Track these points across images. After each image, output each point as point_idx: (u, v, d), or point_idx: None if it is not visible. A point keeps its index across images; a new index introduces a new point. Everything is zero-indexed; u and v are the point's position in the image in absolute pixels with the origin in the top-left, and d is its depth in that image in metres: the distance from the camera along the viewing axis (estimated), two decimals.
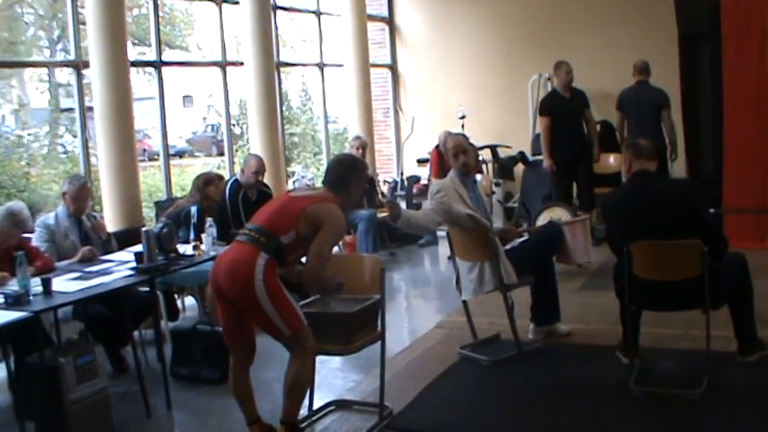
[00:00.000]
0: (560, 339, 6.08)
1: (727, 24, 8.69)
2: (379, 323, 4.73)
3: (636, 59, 9.65)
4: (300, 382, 4.34)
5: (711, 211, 7.38)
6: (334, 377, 5.65)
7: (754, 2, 8.60)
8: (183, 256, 5.67)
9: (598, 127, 10.15)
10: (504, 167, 10.61)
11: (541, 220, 8.66)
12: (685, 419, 4.55)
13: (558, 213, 8.70)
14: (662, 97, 9.25)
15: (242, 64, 8.93)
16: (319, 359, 5.07)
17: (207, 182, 6.97)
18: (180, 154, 18.34)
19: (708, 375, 4.89)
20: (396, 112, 12.62)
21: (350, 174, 4.53)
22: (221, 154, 11.47)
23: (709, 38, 8.82)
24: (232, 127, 10.15)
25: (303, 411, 4.90)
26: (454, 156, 5.89)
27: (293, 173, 10.52)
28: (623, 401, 4.82)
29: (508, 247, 5.82)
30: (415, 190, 11.14)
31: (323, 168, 10.87)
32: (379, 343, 4.72)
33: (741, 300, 5.15)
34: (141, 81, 10.38)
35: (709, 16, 8.83)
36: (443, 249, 9.75)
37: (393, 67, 12.54)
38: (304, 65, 10.99)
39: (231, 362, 4.48)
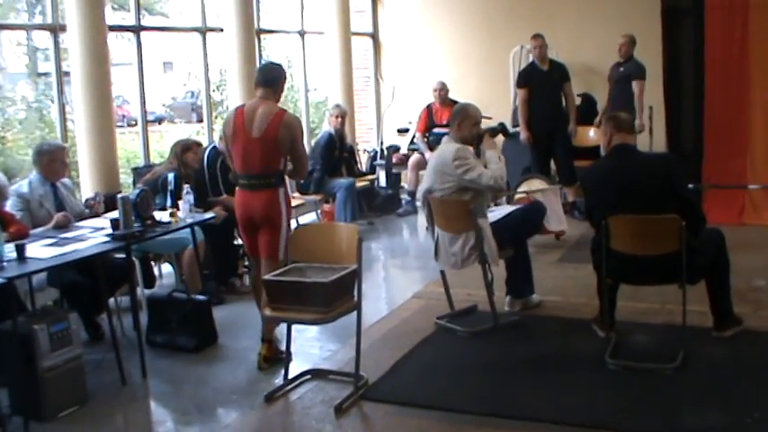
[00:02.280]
0: (537, 312, 6.11)
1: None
2: (355, 292, 4.72)
3: (619, 33, 9.62)
4: None
5: (690, 186, 7.39)
6: (310, 346, 5.64)
7: None
8: (160, 223, 5.63)
9: (579, 100, 10.14)
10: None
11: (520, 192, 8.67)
12: (659, 393, 4.57)
13: (536, 185, 8.71)
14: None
15: (222, 30, 8.83)
16: (295, 328, 5.13)
17: (185, 148, 6.91)
18: (159, 120, 18.22)
19: (683, 350, 4.93)
20: (376, 82, 12.54)
21: (278, 75, 5.47)
22: (201, 120, 11.33)
23: (692, 12, 8.81)
24: (212, 93, 10.04)
25: (278, 380, 4.91)
26: (475, 124, 5.87)
27: None
28: (599, 375, 4.85)
29: (492, 219, 5.79)
30: (394, 159, 11.11)
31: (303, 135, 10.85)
32: (356, 313, 4.71)
33: (718, 275, 5.18)
34: (121, 46, 10.23)
35: None
36: (421, 219, 9.76)
37: (375, 36, 12.43)
38: (285, 32, 10.86)
39: (255, 273, 5.50)
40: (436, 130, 10.38)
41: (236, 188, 5.43)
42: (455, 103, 9.96)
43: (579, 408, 4.45)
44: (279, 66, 5.72)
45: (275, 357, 5.23)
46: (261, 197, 5.26)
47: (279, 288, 4.62)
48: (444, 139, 5.94)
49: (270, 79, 5.40)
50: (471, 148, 5.78)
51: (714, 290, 5.24)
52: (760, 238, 7.82)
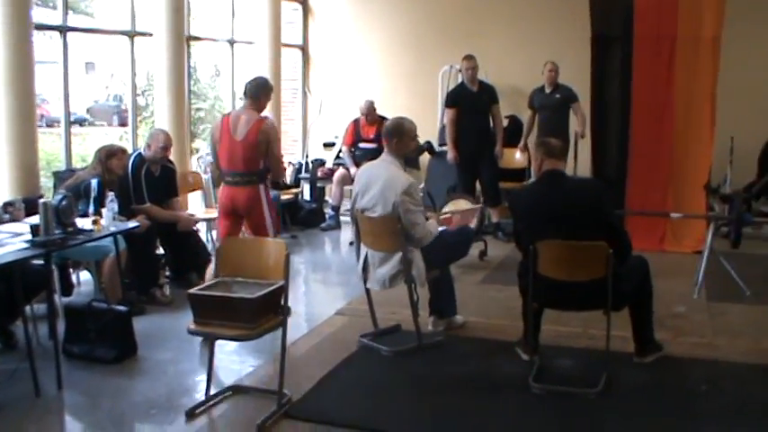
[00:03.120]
0: (461, 332, 6.11)
1: (639, 29, 8.84)
2: (281, 309, 4.65)
3: (548, 57, 9.78)
4: None
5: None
6: (231, 361, 5.53)
7: (666, 8, 8.76)
8: (82, 231, 5.48)
9: (506, 122, 10.25)
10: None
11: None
12: (582, 418, 4.62)
13: (462, 204, 8.75)
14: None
15: (151, 35, 8.68)
16: (216, 343, 5.00)
17: (110, 154, 6.74)
18: (80, 122, 17.82)
19: (606, 375, 4.98)
20: (304, 94, 12.49)
21: (263, 89, 6.45)
22: (123, 124, 11.13)
23: (621, 41, 8.95)
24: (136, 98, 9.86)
25: (200, 396, 4.81)
26: (413, 139, 5.89)
27: (197, 149, 10.29)
28: (523, 398, 4.86)
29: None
30: (319, 173, 11.07)
31: None
32: (280, 329, 4.64)
33: (642, 303, 5.27)
34: (40, 44, 9.97)
35: (622, 19, 8.94)
36: (345, 234, 9.74)
37: (304, 48, 12.40)
38: (214, 40, 10.73)
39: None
40: (362, 144, 10.40)
41: (222, 184, 6.49)
42: (383, 119, 10.02)
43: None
44: (264, 80, 6.59)
45: None
46: (244, 192, 6.27)
47: (204, 302, 4.52)
48: (384, 157, 5.83)
49: (254, 92, 6.36)
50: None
51: (637, 317, 5.32)
52: (679, 265, 7.98)
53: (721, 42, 8.66)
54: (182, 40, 8.81)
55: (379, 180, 5.63)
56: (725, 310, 6.75)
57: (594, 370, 5.07)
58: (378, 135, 10.28)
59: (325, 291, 7.98)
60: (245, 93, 6.40)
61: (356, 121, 10.58)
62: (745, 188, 9.99)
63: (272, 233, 6.28)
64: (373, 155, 9.77)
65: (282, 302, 4.63)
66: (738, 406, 4.80)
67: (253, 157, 6.21)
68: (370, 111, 10.42)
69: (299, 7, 12.25)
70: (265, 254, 4.86)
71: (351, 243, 8.85)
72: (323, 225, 10.50)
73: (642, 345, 5.40)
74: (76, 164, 8.11)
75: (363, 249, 5.86)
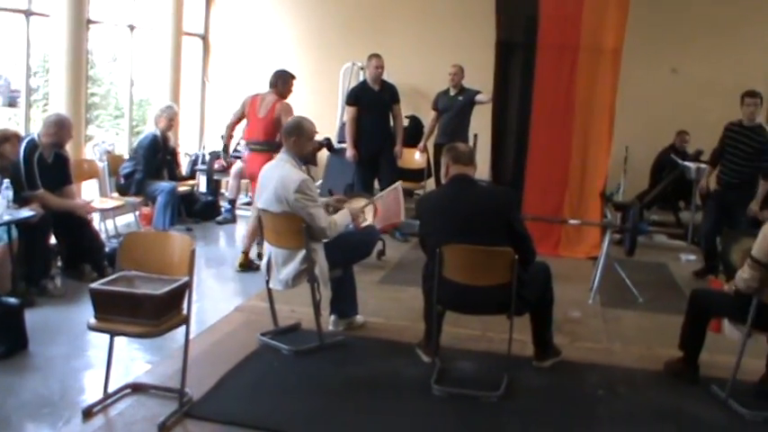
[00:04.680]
0: (361, 333, 6.11)
1: (543, 37, 9.00)
2: (185, 306, 4.55)
3: (453, 59, 9.86)
4: None
5: None
6: (129, 358, 5.38)
7: (570, 19, 8.94)
8: None
9: (407, 122, 10.29)
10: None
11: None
12: (484, 421, 4.68)
13: (360, 203, 8.73)
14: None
15: (48, 16, 8.38)
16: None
17: (3, 139, 6.48)
18: None
19: (507, 378, 5.06)
20: (203, 84, 12.29)
21: (281, 78, 8.41)
22: (11, 105, 10.70)
23: (524, 48, 9.08)
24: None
25: (97, 395, 4.66)
26: (310, 139, 5.88)
27: (92, 137, 9.99)
28: (425, 400, 4.89)
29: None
30: (216, 165, 10.90)
31: (123, 133, 10.48)
32: (184, 326, 4.55)
33: (543, 308, 5.38)
34: None
35: (526, 27, 9.09)
36: (240, 228, 9.61)
37: (205, 38, 12.20)
38: (114, 24, 10.42)
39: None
40: None
41: (248, 151, 8.49)
42: None
43: None
44: (281, 71, 8.51)
45: (249, 266, 7.87)
46: (264, 157, 7.36)
47: (106, 298, 4.39)
48: (281, 155, 5.79)
49: (272, 80, 8.42)
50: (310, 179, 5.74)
51: (538, 322, 5.42)
52: (574, 271, 8.15)
53: (621, 55, 8.87)
54: (81, 23, 8.55)
55: (273, 179, 5.60)
56: (619, 315, 6.95)
57: (495, 373, 5.15)
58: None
59: (221, 286, 7.85)
60: (270, 81, 8.40)
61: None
62: (638, 197, 10.35)
63: None
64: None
65: (187, 299, 4.54)
66: (632, 410, 4.96)
67: (271, 131, 8.06)
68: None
69: None
70: (170, 249, 4.75)
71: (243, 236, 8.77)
72: (219, 218, 10.36)
73: (542, 349, 5.51)
74: None
75: (267, 248, 5.80)
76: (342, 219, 5.81)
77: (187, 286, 4.51)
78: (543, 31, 9.01)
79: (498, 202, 5.14)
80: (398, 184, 7.88)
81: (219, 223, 10.28)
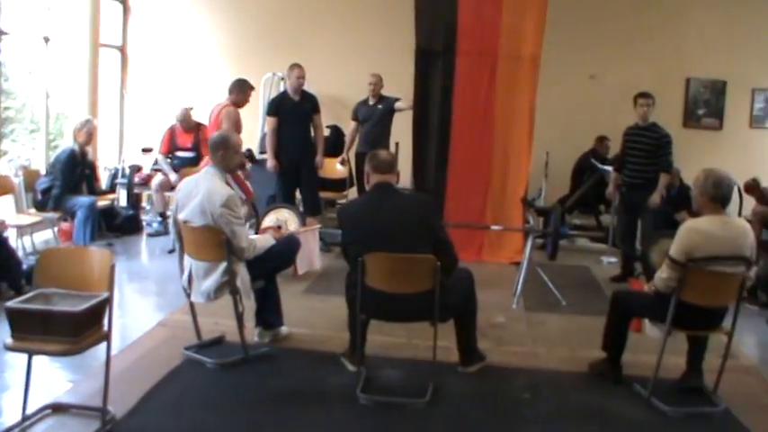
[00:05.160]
0: (286, 344, 6.08)
1: (462, 45, 9.09)
2: (105, 322, 4.47)
3: (373, 69, 9.89)
4: None
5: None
6: (48, 377, 5.26)
7: (489, 26, 9.05)
8: None
9: (328, 132, 10.28)
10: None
11: (267, 221, 8.65)
12: (410, 428, 4.71)
13: (284, 215, 8.73)
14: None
15: None
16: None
17: None
18: None
19: (432, 385, 5.09)
20: (121, 97, 12.12)
21: (238, 86, 8.77)
22: None
23: (443, 56, 9.15)
24: None
25: (15, 417, 4.54)
26: (237, 152, 5.84)
27: (7, 152, 9.74)
28: (351, 410, 4.90)
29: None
30: (136, 179, 10.75)
31: (39, 147, 10.26)
32: (104, 343, 4.47)
33: (466, 314, 5.42)
34: None
35: (445, 34, 9.16)
36: (166, 242, 9.48)
37: (123, 50, 12.03)
38: (28, 36, 10.20)
39: None
40: (180, 153, 10.23)
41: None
42: (200, 125, 9.87)
43: None
44: (238, 80, 8.95)
45: None
46: None
47: (23, 316, 4.29)
48: (207, 169, 5.75)
49: (229, 88, 8.83)
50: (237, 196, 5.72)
51: (462, 328, 5.47)
52: (498, 276, 8.24)
53: (540, 62, 9.01)
54: None
55: (199, 193, 5.54)
56: (543, 319, 7.05)
57: (421, 380, 5.18)
58: (196, 143, 10.12)
59: (144, 301, 7.73)
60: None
61: (171, 130, 10.36)
62: (559, 201, 10.51)
63: None
64: (192, 163, 9.65)
65: (108, 315, 4.46)
66: (558, 411, 5.05)
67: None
68: (185, 118, 10.26)
69: (120, 7, 11.88)
70: (89, 264, 4.67)
71: (170, 251, 8.67)
72: (150, 231, 10.22)
73: (466, 355, 5.55)
74: None
75: (188, 261, 5.74)
76: (263, 242, 5.80)
77: (107, 302, 4.44)
78: (462, 38, 9.10)
79: (419, 210, 5.17)
80: (317, 228, 7.99)
81: (152, 236, 10.12)
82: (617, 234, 9.17)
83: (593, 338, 5.86)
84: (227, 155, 5.69)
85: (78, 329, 4.27)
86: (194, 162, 9.82)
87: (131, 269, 8.82)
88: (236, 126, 8.60)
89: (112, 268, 4.48)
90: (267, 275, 5.87)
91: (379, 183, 5.19)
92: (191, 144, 10.19)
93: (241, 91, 8.75)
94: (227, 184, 5.69)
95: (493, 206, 9.25)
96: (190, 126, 10.20)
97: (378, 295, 5.01)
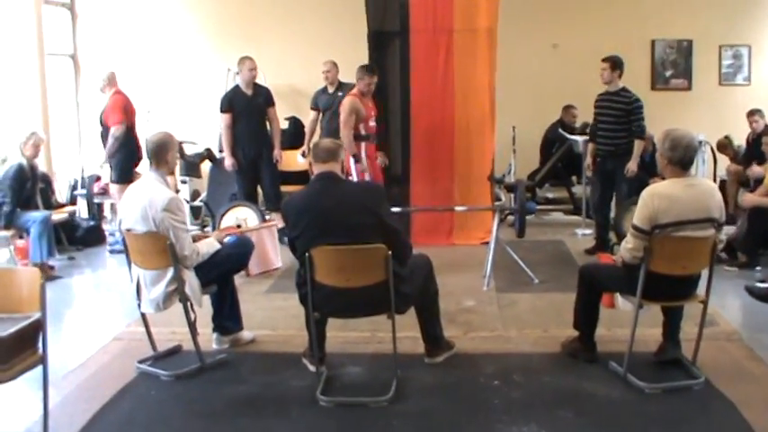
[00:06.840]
0: (246, 348, 5.84)
1: (416, 23, 8.90)
2: (39, 345, 4.21)
3: (327, 56, 9.65)
4: None
5: (398, 209, 7.43)
6: None
7: (441, 2, 8.86)
8: None
9: (286, 124, 10.05)
10: (190, 165, 10.28)
11: (227, 221, 8.43)
12: (372, 428, 4.48)
13: (244, 212, 8.52)
14: None
15: None
16: None
17: None
18: None
19: (396, 380, 4.86)
20: (77, 106, 11.81)
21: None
22: None
23: (398, 35, 8.95)
24: None
25: None
26: (175, 151, 5.65)
27: None
28: (311, 413, 4.68)
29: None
30: (96, 189, 10.46)
31: None
32: (41, 367, 4.20)
33: (427, 302, 5.20)
34: None
35: (398, 14, 8.98)
36: None
37: (74, 57, 11.73)
38: None
39: None
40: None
41: None
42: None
43: None
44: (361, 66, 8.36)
45: None
46: None
47: None
48: (148, 173, 5.52)
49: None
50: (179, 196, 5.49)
51: (424, 317, 5.25)
52: (468, 258, 8.05)
53: (498, 34, 8.78)
54: None
55: (142, 198, 5.30)
56: (514, 300, 6.84)
57: (385, 376, 4.98)
58: None
59: (104, 315, 7.42)
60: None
61: None
62: (530, 176, 10.31)
63: None
64: None
65: (42, 337, 4.20)
66: (530, 397, 4.83)
67: None
68: None
69: (67, 14, 11.57)
70: (17, 285, 4.37)
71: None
72: (113, 248, 9.87)
73: (432, 345, 5.34)
74: None
75: (135, 270, 5.48)
76: (206, 248, 5.52)
77: (39, 323, 4.17)
78: (415, 17, 8.94)
79: (365, 197, 4.89)
80: (275, 223, 7.71)
81: (114, 252, 9.77)
82: (591, 205, 8.97)
83: (566, 316, 5.64)
84: (169, 156, 5.51)
85: (8, 355, 4.00)
86: None
87: (96, 281, 8.60)
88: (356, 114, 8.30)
89: (42, 287, 4.22)
90: (219, 279, 5.62)
91: (322, 173, 4.92)
92: None
93: (359, 78, 8.30)
94: (175, 188, 5.46)
95: (460, 186, 9.05)
96: None
97: (329, 291, 4.77)
